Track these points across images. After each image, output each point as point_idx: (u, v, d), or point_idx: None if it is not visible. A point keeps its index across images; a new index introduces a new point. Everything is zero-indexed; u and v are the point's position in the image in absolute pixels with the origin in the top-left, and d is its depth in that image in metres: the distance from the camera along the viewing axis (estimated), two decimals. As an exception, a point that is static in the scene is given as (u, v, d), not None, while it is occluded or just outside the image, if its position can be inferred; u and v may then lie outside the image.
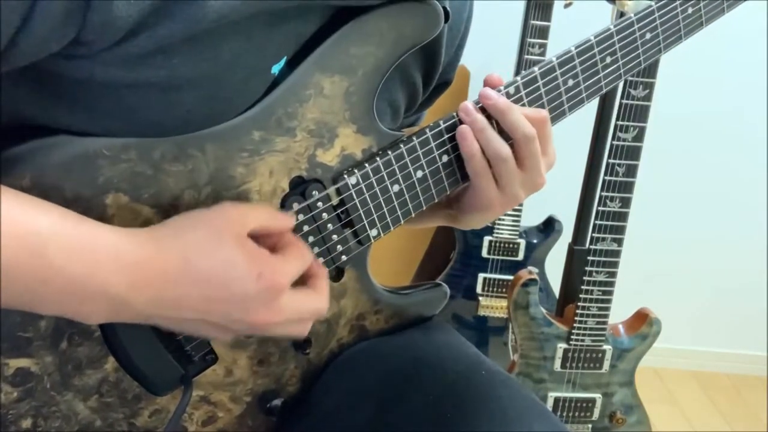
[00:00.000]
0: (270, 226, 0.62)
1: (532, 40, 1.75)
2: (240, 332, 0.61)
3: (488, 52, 1.86)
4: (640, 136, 1.38)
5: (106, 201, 0.59)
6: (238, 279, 0.57)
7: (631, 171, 1.39)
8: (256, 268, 0.58)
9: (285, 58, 0.65)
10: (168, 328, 0.61)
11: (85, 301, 0.54)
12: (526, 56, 1.77)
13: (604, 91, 0.77)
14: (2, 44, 0.50)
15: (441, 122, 0.72)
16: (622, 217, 1.42)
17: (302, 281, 0.64)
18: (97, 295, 0.54)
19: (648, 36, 0.77)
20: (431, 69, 0.79)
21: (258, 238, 0.60)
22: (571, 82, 0.75)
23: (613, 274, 1.45)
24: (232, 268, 0.57)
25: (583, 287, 1.45)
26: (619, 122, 1.37)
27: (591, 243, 1.44)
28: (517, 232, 1.92)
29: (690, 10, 0.78)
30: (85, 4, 0.51)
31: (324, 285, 0.65)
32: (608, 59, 0.76)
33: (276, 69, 0.65)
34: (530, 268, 1.53)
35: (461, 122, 0.71)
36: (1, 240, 0.50)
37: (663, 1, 0.77)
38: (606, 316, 1.48)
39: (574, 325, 1.47)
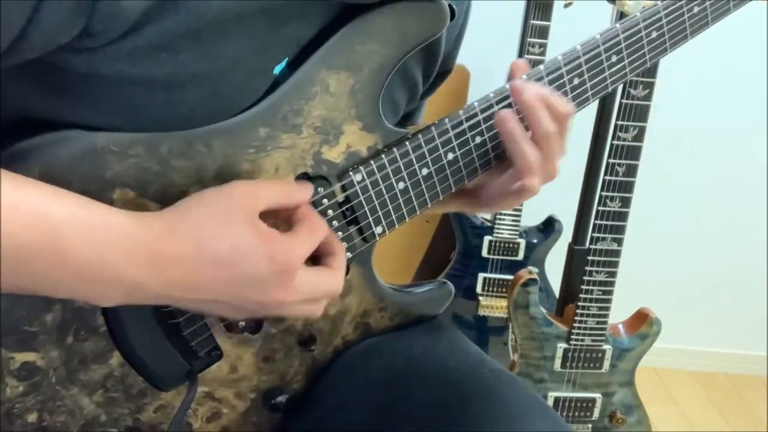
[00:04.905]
0: (283, 203, 0.63)
1: (532, 40, 1.76)
2: (255, 312, 0.62)
3: (488, 52, 1.87)
4: (640, 136, 1.38)
5: (113, 196, 0.60)
6: (249, 262, 0.57)
7: (631, 171, 1.39)
8: (267, 251, 0.58)
9: (286, 59, 0.65)
10: (183, 308, 0.62)
11: (100, 284, 0.55)
12: (526, 56, 1.77)
13: (610, 90, 0.77)
14: (13, 36, 0.51)
15: (446, 120, 0.72)
16: (622, 216, 1.42)
17: (318, 257, 0.64)
18: (112, 279, 0.55)
19: (654, 35, 0.77)
20: (431, 64, 0.79)
21: (272, 212, 0.61)
22: (576, 81, 0.75)
23: (613, 274, 1.45)
24: (243, 251, 0.57)
25: (583, 287, 1.45)
26: (619, 122, 1.37)
27: (591, 243, 1.44)
28: (517, 232, 1.92)
29: (696, 9, 0.78)
30: None
31: (339, 263, 0.66)
32: (614, 58, 0.76)
33: (277, 70, 0.65)
34: (530, 267, 1.53)
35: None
36: (17, 224, 0.50)
37: (669, 0, 0.77)
38: (606, 315, 1.48)
39: (574, 324, 1.47)
